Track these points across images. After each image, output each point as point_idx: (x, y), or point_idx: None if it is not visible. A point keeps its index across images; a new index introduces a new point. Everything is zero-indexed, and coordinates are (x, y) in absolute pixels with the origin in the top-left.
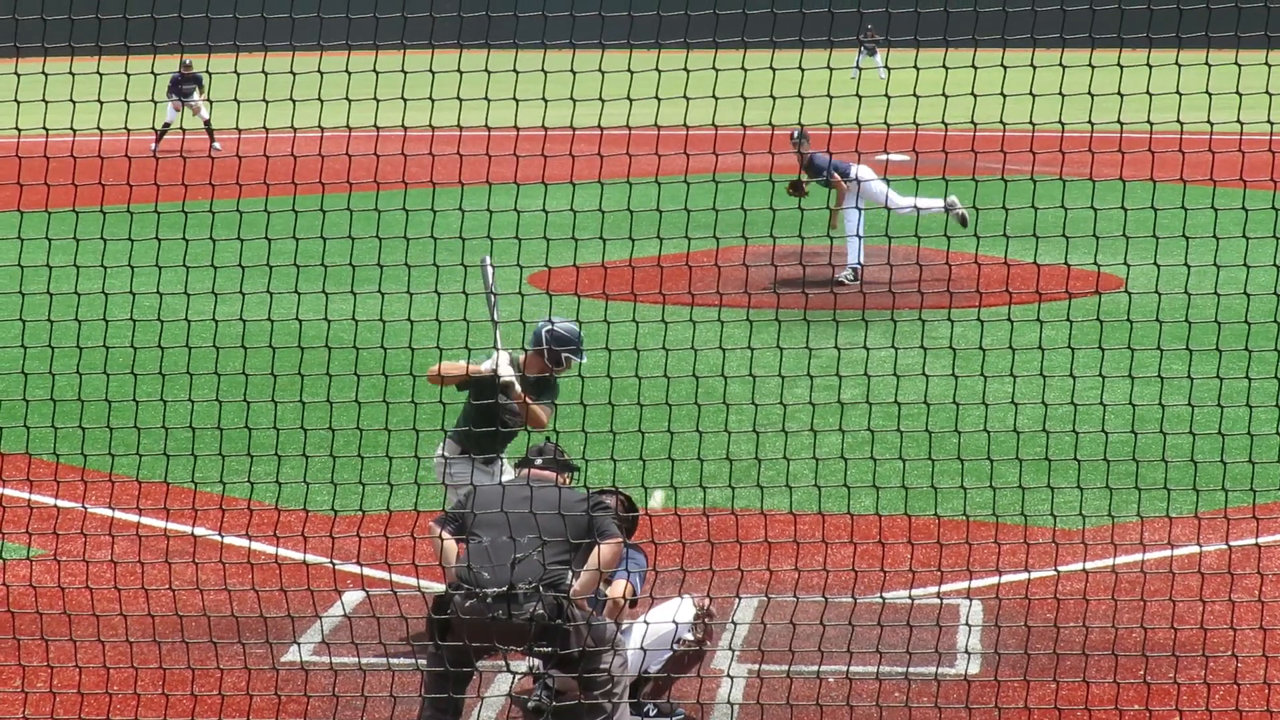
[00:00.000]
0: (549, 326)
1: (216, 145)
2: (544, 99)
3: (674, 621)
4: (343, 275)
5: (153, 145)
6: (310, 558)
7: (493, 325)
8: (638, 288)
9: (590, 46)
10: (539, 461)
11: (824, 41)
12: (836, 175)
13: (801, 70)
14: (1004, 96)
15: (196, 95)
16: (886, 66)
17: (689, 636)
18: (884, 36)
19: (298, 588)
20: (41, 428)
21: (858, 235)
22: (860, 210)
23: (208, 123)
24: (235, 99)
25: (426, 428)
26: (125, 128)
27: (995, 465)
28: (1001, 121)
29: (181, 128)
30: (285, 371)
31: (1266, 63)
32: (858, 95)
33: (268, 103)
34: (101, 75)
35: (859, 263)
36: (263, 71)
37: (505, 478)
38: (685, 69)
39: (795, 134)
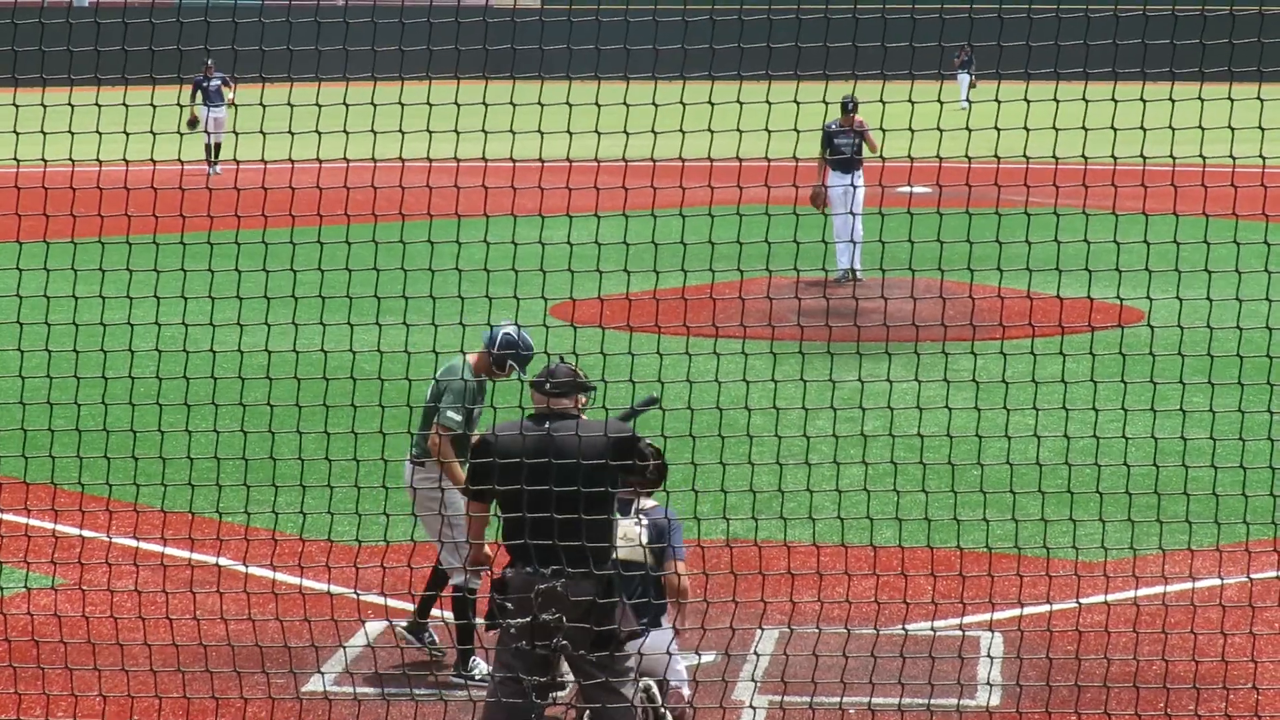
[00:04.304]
0: (504, 329)
1: (217, 170)
2: (569, 131)
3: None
4: (367, 307)
5: (210, 169)
6: (334, 588)
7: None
8: (662, 320)
9: (615, 79)
10: (549, 386)
11: (849, 75)
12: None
13: (825, 104)
14: (1027, 130)
15: (224, 106)
16: (971, 100)
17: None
18: (971, 57)
19: (321, 617)
20: (66, 458)
21: (851, 241)
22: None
23: (219, 146)
24: (260, 130)
25: None
26: (150, 159)
27: (1017, 498)
28: (1025, 155)
29: (208, 161)
30: (310, 402)
31: None
32: (881, 129)
33: (293, 134)
34: (127, 106)
35: (849, 266)
36: (288, 104)
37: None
38: (710, 102)
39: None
